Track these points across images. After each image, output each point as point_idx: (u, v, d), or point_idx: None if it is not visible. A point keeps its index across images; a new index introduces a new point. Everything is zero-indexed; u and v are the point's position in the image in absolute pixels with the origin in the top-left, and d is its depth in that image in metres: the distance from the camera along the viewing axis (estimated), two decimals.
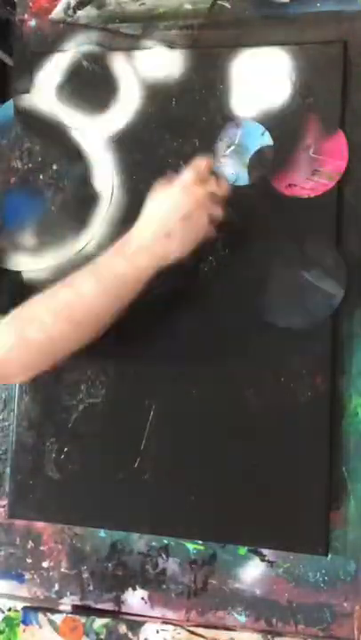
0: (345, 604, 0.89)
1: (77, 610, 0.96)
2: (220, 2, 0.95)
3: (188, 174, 0.81)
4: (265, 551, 0.92)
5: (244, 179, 0.91)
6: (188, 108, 0.94)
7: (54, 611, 0.97)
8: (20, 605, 0.98)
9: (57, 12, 1.01)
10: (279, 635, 0.90)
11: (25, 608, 0.98)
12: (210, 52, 0.94)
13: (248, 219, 0.91)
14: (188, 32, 0.96)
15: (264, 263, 0.91)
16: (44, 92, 0.99)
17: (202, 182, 0.81)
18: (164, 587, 0.95)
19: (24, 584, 0.99)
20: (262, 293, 0.90)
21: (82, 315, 0.79)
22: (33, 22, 1.02)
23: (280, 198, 0.90)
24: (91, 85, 0.98)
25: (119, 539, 0.96)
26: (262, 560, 0.92)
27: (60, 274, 0.97)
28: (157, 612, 0.95)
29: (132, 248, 0.80)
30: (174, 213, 0.79)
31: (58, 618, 0.96)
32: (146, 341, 0.94)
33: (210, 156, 0.86)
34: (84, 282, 0.80)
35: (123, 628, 0.94)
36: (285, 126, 0.91)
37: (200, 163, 0.82)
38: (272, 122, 0.91)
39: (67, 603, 0.98)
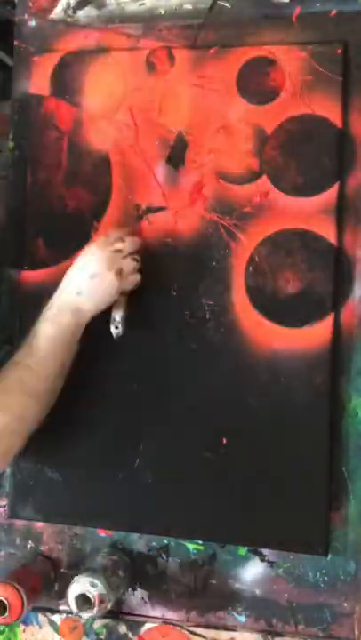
0: (345, 604, 0.89)
1: None
2: (220, 2, 0.95)
3: (101, 238, 0.91)
4: (265, 551, 0.92)
5: None
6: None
7: (54, 611, 0.97)
8: None
9: (57, 12, 1.01)
10: (279, 635, 0.90)
11: None
12: (209, 51, 0.94)
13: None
14: (188, 32, 0.96)
15: None
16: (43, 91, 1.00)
17: (110, 243, 0.89)
18: (164, 587, 0.95)
19: None
20: None
21: (35, 383, 0.85)
22: (33, 22, 1.02)
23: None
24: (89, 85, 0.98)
25: (119, 539, 0.96)
26: (262, 560, 0.92)
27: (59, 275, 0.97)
28: (157, 612, 0.95)
29: (53, 310, 0.87)
30: (82, 272, 0.87)
31: (58, 618, 0.96)
32: (145, 340, 0.95)
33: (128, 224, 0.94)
34: (26, 354, 0.86)
35: (123, 628, 0.94)
36: (285, 126, 0.91)
37: (116, 231, 0.92)
38: (272, 122, 0.91)
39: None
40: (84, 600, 0.87)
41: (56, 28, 1.01)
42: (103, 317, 0.90)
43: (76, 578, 0.89)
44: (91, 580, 0.87)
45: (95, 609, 0.87)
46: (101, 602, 0.87)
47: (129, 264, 0.89)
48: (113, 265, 0.87)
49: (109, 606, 0.89)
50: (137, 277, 0.91)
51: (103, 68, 0.97)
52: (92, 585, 0.87)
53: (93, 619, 0.92)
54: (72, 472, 0.96)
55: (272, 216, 0.91)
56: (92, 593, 0.87)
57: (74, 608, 0.87)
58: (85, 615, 0.87)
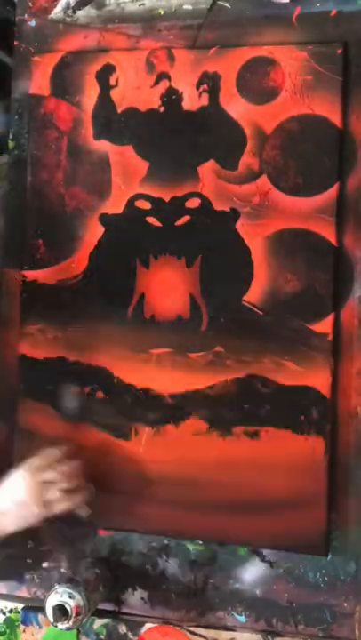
0: (345, 604, 0.89)
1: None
2: (220, 2, 0.95)
3: (34, 461, 0.89)
4: (265, 551, 0.92)
5: None
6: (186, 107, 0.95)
7: None
8: (21, 607, 0.98)
9: (57, 12, 1.01)
10: (279, 635, 0.90)
11: (25, 608, 0.97)
12: (209, 51, 0.94)
13: None
14: (187, 32, 0.96)
15: None
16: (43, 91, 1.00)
17: (45, 470, 0.88)
18: (164, 587, 0.95)
19: (24, 584, 0.99)
20: None
21: None
22: (33, 22, 1.02)
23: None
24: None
25: (119, 539, 0.96)
26: (262, 560, 0.92)
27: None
28: (157, 612, 0.95)
29: None
30: (10, 496, 0.87)
31: None
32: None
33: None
34: None
35: (123, 628, 0.94)
36: (285, 126, 0.91)
37: (50, 453, 0.90)
38: (272, 122, 0.92)
39: None
40: (61, 611, 0.87)
41: (56, 28, 1.01)
42: None
43: (55, 587, 0.89)
44: (69, 591, 0.88)
45: (71, 621, 0.87)
46: (78, 614, 0.87)
47: (56, 495, 0.87)
48: (39, 497, 0.87)
49: (86, 618, 0.89)
50: (65, 505, 0.88)
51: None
52: (70, 597, 0.87)
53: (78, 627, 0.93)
54: None
55: (272, 216, 0.91)
56: (70, 605, 0.87)
57: (50, 618, 0.88)
58: (61, 626, 0.87)
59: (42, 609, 0.91)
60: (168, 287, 0.94)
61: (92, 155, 0.98)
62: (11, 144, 1.02)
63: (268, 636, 0.90)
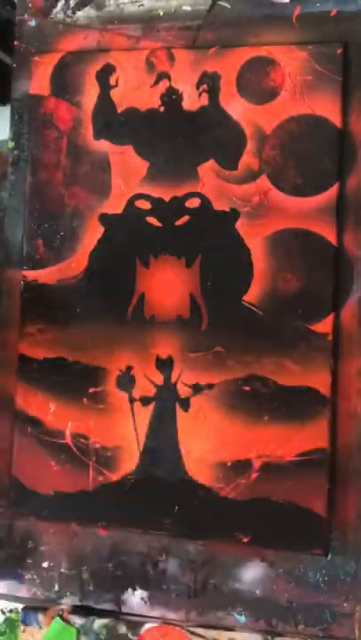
0: (345, 604, 0.89)
1: (77, 610, 0.96)
2: (220, 2, 0.95)
3: None
4: (265, 551, 0.92)
5: None
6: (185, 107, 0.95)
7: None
8: (21, 607, 0.98)
9: (56, 13, 1.01)
10: (279, 635, 0.90)
11: (25, 608, 0.97)
12: (209, 51, 0.94)
13: None
14: (187, 33, 0.96)
15: None
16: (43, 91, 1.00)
17: None
18: (164, 587, 0.95)
19: (24, 584, 0.99)
20: None
21: None
22: (33, 22, 1.02)
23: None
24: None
25: (119, 539, 0.96)
26: (262, 560, 0.92)
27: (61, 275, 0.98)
28: (157, 612, 0.95)
29: None
30: None
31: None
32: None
33: None
34: None
35: (123, 628, 0.94)
36: (285, 126, 0.91)
37: None
38: (272, 122, 0.91)
39: (67, 603, 0.97)
40: None
41: (56, 28, 1.01)
42: None
43: None
44: None
45: None
46: None
47: None
48: None
49: None
50: None
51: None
52: None
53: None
54: None
55: (272, 216, 0.91)
56: None
57: None
58: None
59: (42, 609, 0.92)
60: (168, 287, 0.94)
61: (92, 155, 0.98)
62: (11, 144, 1.02)
63: (268, 636, 0.90)
